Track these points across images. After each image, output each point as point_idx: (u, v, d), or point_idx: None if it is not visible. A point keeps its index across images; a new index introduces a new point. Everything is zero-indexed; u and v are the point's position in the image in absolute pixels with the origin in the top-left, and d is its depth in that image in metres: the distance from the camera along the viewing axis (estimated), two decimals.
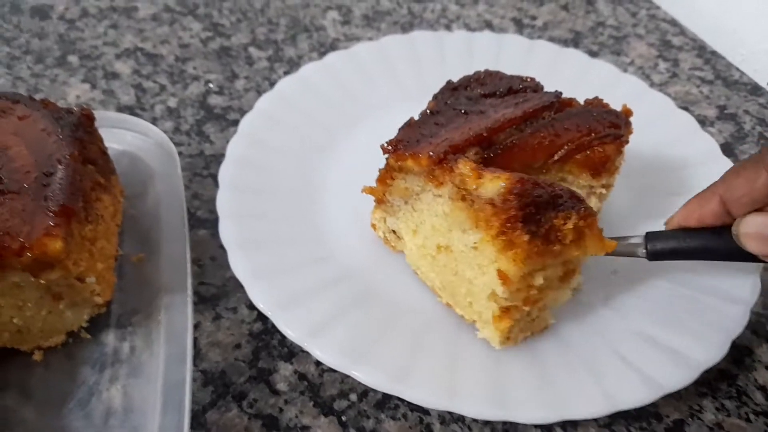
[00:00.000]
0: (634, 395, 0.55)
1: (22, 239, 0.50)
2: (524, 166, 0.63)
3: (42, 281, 0.53)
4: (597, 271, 0.66)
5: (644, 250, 0.61)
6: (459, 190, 0.55)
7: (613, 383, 0.56)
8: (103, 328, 0.60)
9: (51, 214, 0.52)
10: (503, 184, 0.52)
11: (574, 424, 0.58)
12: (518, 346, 0.59)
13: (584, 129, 0.62)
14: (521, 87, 0.68)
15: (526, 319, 0.58)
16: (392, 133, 0.63)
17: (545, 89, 0.69)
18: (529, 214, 0.51)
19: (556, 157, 0.62)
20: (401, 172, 0.61)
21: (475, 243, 0.55)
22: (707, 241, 0.58)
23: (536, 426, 0.58)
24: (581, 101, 0.67)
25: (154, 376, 0.55)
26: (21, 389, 0.56)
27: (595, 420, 0.58)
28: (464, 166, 0.55)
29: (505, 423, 0.58)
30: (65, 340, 0.59)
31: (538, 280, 0.53)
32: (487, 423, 0.57)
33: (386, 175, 0.63)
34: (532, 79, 0.70)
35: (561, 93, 0.67)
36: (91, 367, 0.57)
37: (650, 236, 0.61)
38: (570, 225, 0.51)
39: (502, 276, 0.52)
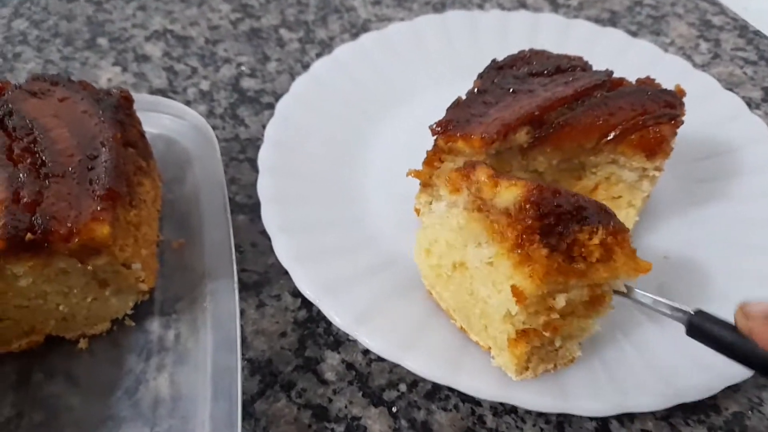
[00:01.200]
0: (694, 387, 0.54)
1: (69, 224, 0.49)
2: (576, 146, 0.61)
3: (89, 267, 0.51)
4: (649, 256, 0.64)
5: (687, 320, 0.47)
6: (475, 199, 0.50)
7: (672, 375, 0.54)
8: (147, 316, 0.59)
9: (97, 198, 0.51)
10: (520, 192, 0.46)
11: (631, 416, 0.56)
12: None
13: (639, 108, 0.60)
14: (569, 66, 0.66)
15: (548, 348, 0.52)
16: (431, 115, 0.61)
17: (594, 69, 0.67)
18: (548, 226, 0.45)
19: (610, 137, 0.60)
20: (451, 153, 0.59)
21: (490, 258, 0.49)
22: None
23: (592, 418, 0.56)
24: (633, 81, 0.65)
25: (202, 363, 0.54)
26: (67, 377, 0.55)
27: (653, 413, 0.56)
28: (481, 173, 0.49)
29: (559, 415, 0.56)
30: (110, 327, 0.58)
31: (560, 302, 0.47)
32: (541, 415, 0.56)
33: (434, 158, 0.61)
34: (580, 58, 0.68)
35: (612, 72, 0.65)
36: (137, 355, 0.56)
37: (699, 316, 0.46)
38: (596, 240, 0.46)
39: (517, 293, 0.46)
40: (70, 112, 0.57)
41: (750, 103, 0.87)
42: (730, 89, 0.86)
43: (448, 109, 0.61)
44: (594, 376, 0.54)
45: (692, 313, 0.45)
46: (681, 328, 0.57)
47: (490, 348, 0.54)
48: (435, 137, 0.60)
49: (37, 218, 0.49)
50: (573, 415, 0.55)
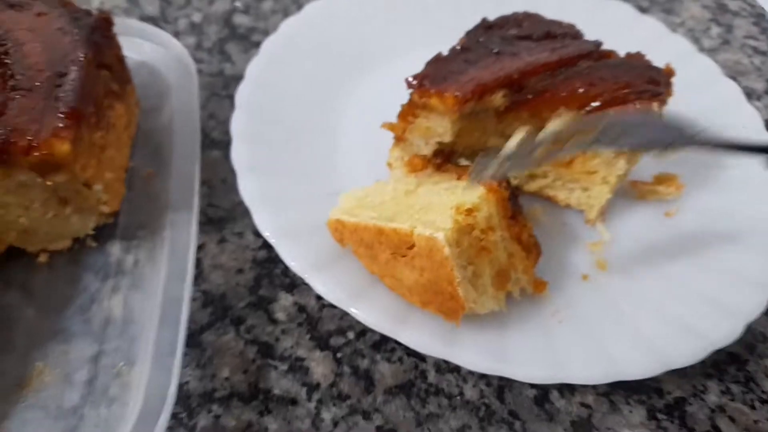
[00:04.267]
0: (638, 365, 0.54)
1: (30, 138, 0.49)
2: (554, 114, 0.60)
3: (49, 183, 0.52)
4: (625, 236, 0.64)
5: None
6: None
7: (617, 351, 0.54)
8: (109, 239, 0.60)
9: (61, 115, 0.51)
10: None
11: (571, 388, 0.57)
12: (523, 303, 0.57)
13: (621, 81, 0.59)
14: (560, 33, 0.65)
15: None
16: (415, 71, 0.60)
17: (585, 39, 0.65)
18: None
19: (588, 108, 0.59)
20: (424, 110, 0.59)
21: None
22: None
23: (532, 386, 0.57)
24: (622, 55, 0.63)
25: (155, 290, 0.55)
26: (24, 289, 0.56)
27: (594, 387, 0.57)
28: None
29: (501, 379, 0.57)
30: (71, 245, 0.59)
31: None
32: (482, 377, 0.57)
33: (408, 112, 0.60)
34: (572, 26, 0.67)
35: (601, 42, 0.64)
36: (94, 275, 0.57)
37: None
38: None
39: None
40: (46, 28, 0.57)
41: (751, 94, 0.85)
42: (734, 78, 0.84)
43: (427, 64, 0.60)
44: (536, 343, 0.55)
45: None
46: (637, 302, 0.58)
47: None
48: (410, 91, 0.59)
49: None
50: (514, 381, 0.56)
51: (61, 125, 0.50)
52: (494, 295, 0.53)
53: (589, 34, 0.65)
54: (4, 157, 0.49)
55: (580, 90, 0.59)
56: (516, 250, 0.55)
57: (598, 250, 0.64)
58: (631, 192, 0.69)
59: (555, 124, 0.53)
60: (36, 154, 0.49)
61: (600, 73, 0.59)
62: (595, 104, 0.58)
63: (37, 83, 0.52)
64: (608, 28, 0.79)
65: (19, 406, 0.49)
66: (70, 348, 0.52)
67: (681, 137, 0.49)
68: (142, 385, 0.49)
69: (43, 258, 0.58)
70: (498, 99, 0.58)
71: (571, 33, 0.64)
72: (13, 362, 0.51)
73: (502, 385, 0.57)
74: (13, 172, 0.51)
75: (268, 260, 0.62)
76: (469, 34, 0.64)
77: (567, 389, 0.57)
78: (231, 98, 0.74)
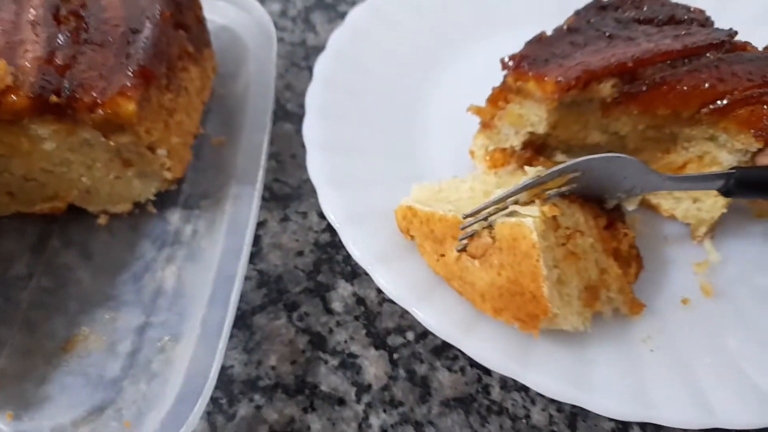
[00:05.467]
0: (741, 415, 0.45)
1: (95, 95, 0.47)
2: (671, 111, 0.52)
3: (112, 143, 0.50)
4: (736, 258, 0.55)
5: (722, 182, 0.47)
6: None
7: (717, 394, 0.46)
8: (170, 206, 0.57)
9: (129, 73, 0.49)
10: None
11: (656, 427, 0.49)
12: (609, 322, 0.50)
13: (757, 78, 0.50)
14: (686, 18, 0.56)
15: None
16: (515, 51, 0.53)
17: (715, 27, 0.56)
18: None
19: (712, 107, 0.50)
20: (519, 94, 0.52)
21: None
22: None
23: (611, 419, 0.49)
24: (761, 49, 0.54)
25: (209, 264, 0.52)
26: (82, 250, 0.55)
27: (685, 430, 0.49)
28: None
29: (575, 405, 0.50)
30: (131, 209, 0.57)
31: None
32: (554, 400, 0.50)
33: (500, 96, 0.54)
34: (702, 12, 0.57)
35: (735, 32, 0.54)
36: (151, 242, 0.55)
37: (740, 171, 0.48)
38: None
39: None
40: None
41: None
42: None
43: (527, 44, 0.53)
44: (622, 371, 0.47)
45: (732, 171, 0.47)
46: (745, 341, 0.49)
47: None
48: (505, 72, 0.52)
49: (65, 82, 0.47)
50: (590, 411, 0.49)
51: (128, 84, 0.48)
52: (580, 311, 0.47)
53: (722, 23, 0.56)
54: (69, 112, 0.48)
55: (706, 85, 0.50)
56: (610, 265, 0.47)
57: (703, 272, 0.55)
58: (747, 209, 0.59)
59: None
60: (100, 112, 0.47)
61: (731, 67, 0.50)
62: (721, 103, 0.50)
63: (109, 38, 0.50)
64: (744, 15, 0.69)
65: (61, 370, 0.47)
66: (118, 316, 0.51)
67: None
68: (184, 363, 0.47)
69: (102, 220, 0.56)
70: (606, 89, 0.51)
71: (700, 20, 0.56)
72: (61, 324, 0.50)
73: (576, 413, 0.50)
74: (77, 129, 0.49)
75: (331, 245, 0.58)
76: (578, 13, 0.57)
77: (651, 428, 0.49)
78: (311, 70, 0.70)
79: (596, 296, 0.47)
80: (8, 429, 0.44)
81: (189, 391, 0.44)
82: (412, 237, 0.51)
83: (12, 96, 0.46)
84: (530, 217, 0.44)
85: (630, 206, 0.51)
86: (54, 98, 0.47)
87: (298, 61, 0.72)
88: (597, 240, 0.48)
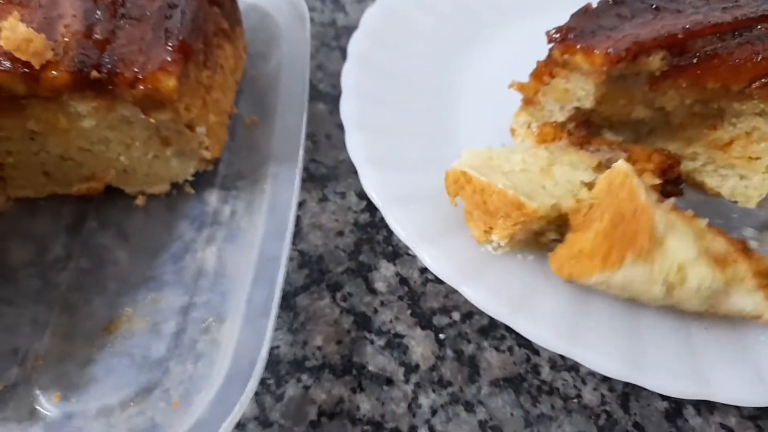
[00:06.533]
0: None
1: (136, 70, 0.46)
2: (720, 85, 0.51)
3: (152, 120, 0.49)
4: None
5: None
6: None
7: None
8: (207, 187, 0.56)
9: (169, 48, 0.47)
10: None
11: (711, 405, 0.48)
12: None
13: None
14: None
15: None
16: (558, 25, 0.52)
17: None
18: None
19: (764, 80, 0.49)
20: (565, 68, 0.51)
21: None
22: None
23: (664, 397, 0.48)
24: None
25: (250, 245, 0.51)
26: (119, 230, 0.54)
27: (738, 407, 0.48)
28: None
29: (627, 384, 0.49)
30: (169, 190, 0.56)
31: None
32: (605, 379, 0.49)
33: (545, 70, 0.53)
34: None
35: None
36: (189, 223, 0.54)
37: None
38: None
39: None
40: None
41: None
42: None
43: (572, 16, 0.52)
44: (676, 349, 0.46)
45: None
46: None
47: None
48: (551, 46, 0.51)
49: (105, 57, 0.46)
50: (643, 389, 0.48)
51: (168, 59, 0.47)
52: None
53: None
54: (109, 88, 0.46)
55: (758, 58, 0.49)
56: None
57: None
58: None
59: None
60: (141, 87, 0.46)
61: None
62: None
63: (147, 13, 0.49)
64: None
65: (106, 351, 0.46)
66: (160, 296, 0.50)
67: None
68: (231, 344, 0.46)
69: (140, 201, 0.55)
70: (655, 61, 0.49)
71: None
72: (103, 305, 0.49)
73: (628, 392, 0.49)
74: (116, 105, 0.48)
75: (371, 225, 0.57)
76: None
77: (705, 406, 0.49)
78: (341, 50, 0.70)
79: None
80: (56, 410, 0.43)
81: (237, 372, 0.43)
82: (456, 203, 0.50)
83: (52, 71, 0.45)
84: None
85: None
86: (95, 73, 0.45)
87: (329, 41, 0.71)
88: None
